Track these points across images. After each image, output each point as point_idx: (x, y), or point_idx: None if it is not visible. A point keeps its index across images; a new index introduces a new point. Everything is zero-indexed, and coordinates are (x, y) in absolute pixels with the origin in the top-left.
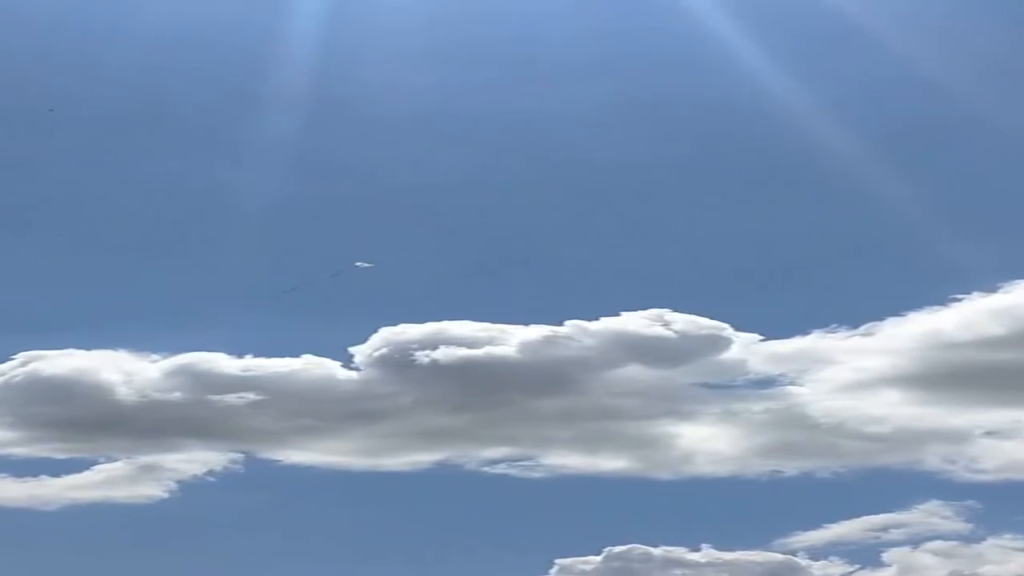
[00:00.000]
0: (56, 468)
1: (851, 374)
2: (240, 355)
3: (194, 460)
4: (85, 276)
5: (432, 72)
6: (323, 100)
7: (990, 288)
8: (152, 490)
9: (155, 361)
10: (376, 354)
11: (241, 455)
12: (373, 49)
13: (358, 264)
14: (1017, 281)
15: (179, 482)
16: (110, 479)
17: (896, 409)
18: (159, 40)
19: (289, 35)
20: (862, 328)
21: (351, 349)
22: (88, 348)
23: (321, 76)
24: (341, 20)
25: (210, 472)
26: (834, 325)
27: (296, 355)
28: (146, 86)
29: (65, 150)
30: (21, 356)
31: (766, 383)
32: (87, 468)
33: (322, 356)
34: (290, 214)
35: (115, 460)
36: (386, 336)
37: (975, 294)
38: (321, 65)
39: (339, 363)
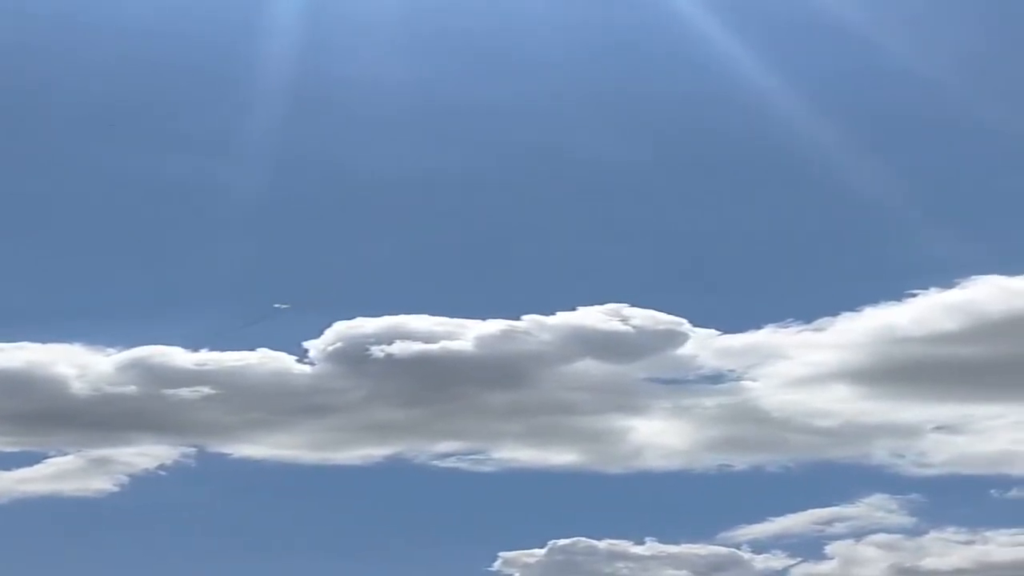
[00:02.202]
0: (7, 461)
1: (803, 369)
2: (195, 349)
3: (146, 454)
4: (41, 269)
5: (409, 65)
6: (297, 94)
7: (947, 284)
8: (103, 484)
9: (110, 355)
10: (330, 348)
11: (193, 449)
12: (351, 43)
13: (276, 306)
14: (974, 277)
15: (130, 476)
16: (61, 472)
17: (847, 404)
18: (137, 35)
19: (268, 29)
20: (815, 323)
21: (305, 343)
22: (43, 341)
23: (297, 70)
24: (320, 14)
25: (161, 466)
26: (789, 319)
27: (252, 349)
28: (120, 81)
29: (32, 143)
30: None
31: (718, 378)
32: (38, 461)
33: (278, 350)
34: (248, 209)
35: (66, 454)
36: (340, 330)
37: (932, 290)
38: (299, 59)
39: (294, 357)
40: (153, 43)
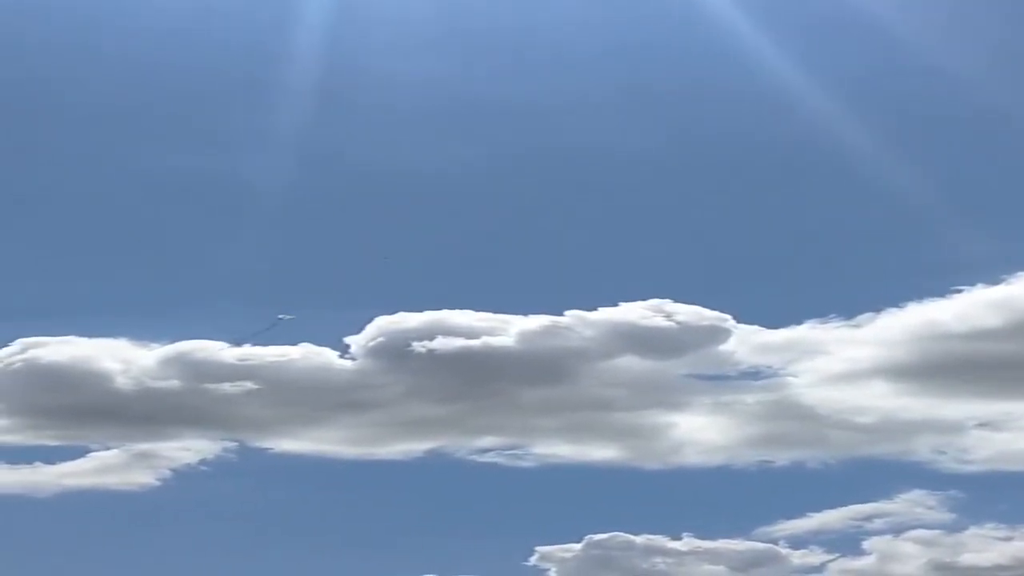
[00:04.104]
0: (51, 455)
1: (846, 365)
2: (238, 344)
3: (188, 448)
4: (89, 265)
5: (437, 62)
6: (327, 90)
7: (993, 280)
8: (145, 478)
9: (153, 349)
10: (372, 344)
11: (235, 443)
12: (379, 39)
13: (280, 317)
14: (1021, 273)
15: (173, 470)
16: (104, 466)
17: (888, 400)
18: (164, 31)
19: (295, 25)
20: (857, 319)
21: (346, 339)
22: (90, 336)
23: (326, 66)
24: (347, 10)
25: (203, 460)
26: (832, 315)
27: (293, 344)
28: (151, 78)
29: (69, 141)
30: (19, 343)
31: (760, 374)
32: (81, 455)
33: (320, 346)
34: (290, 204)
35: (110, 448)
36: (382, 325)
37: (979, 286)
38: (326, 55)
39: (336, 353)
40: (181, 41)
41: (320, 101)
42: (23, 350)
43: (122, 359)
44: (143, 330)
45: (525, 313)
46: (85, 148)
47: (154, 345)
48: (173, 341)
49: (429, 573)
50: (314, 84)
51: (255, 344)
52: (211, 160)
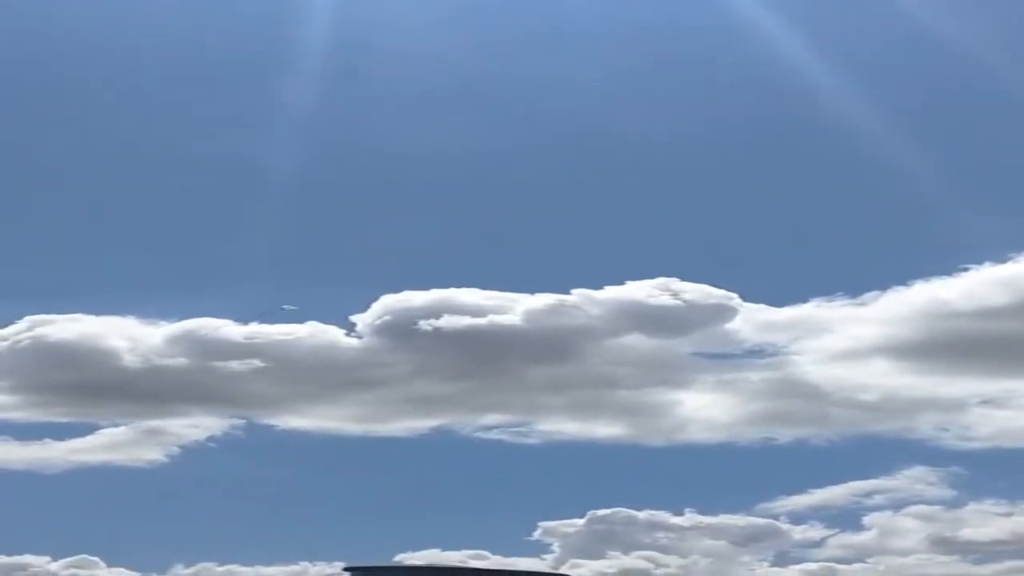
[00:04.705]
0: (60, 432)
1: (850, 343)
2: (245, 322)
3: (196, 425)
4: (96, 243)
5: (445, 40)
6: (334, 72)
7: (1000, 258)
8: (154, 454)
9: (161, 327)
10: (378, 322)
11: (242, 420)
12: (389, 20)
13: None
14: None
15: (181, 447)
16: (113, 443)
17: (892, 378)
18: (177, 15)
19: (307, 8)
20: (863, 297)
21: (353, 317)
22: (97, 314)
23: (335, 47)
24: None
25: (211, 437)
26: (838, 293)
27: (300, 322)
28: (160, 61)
29: (81, 124)
30: (27, 320)
31: (765, 352)
32: (91, 432)
33: (328, 324)
34: (297, 184)
35: (118, 425)
36: (388, 304)
37: (986, 264)
38: (335, 34)
39: (343, 331)
40: (198, 24)
41: (327, 83)
42: (31, 327)
43: (130, 337)
44: (151, 308)
45: (531, 291)
46: (97, 132)
47: (162, 323)
48: (181, 319)
49: (433, 548)
50: (321, 66)
51: (262, 322)
52: (219, 142)
